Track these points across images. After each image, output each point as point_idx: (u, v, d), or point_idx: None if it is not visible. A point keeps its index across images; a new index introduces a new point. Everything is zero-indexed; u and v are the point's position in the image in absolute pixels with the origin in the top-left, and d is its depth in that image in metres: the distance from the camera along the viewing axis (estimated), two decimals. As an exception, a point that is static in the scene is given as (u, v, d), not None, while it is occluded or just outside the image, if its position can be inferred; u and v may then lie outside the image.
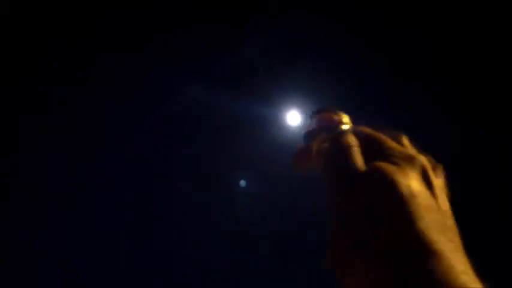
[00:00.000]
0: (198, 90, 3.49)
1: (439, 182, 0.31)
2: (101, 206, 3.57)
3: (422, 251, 0.26)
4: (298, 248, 3.45)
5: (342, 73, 3.43)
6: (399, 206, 0.27)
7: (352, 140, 0.32)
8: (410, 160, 0.30)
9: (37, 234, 3.42)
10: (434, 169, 0.31)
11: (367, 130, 0.34)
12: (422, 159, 0.31)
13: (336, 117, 0.36)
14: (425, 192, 0.29)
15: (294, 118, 3.54)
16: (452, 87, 3.35)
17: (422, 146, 0.34)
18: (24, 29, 3.24)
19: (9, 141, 3.37)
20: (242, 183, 3.59)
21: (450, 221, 0.29)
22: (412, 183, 0.29)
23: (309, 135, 0.36)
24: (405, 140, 0.33)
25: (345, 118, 0.36)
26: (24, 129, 3.38)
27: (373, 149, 0.32)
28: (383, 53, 3.40)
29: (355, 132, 0.34)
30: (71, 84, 3.37)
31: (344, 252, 0.28)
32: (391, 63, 3.42)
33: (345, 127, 0.35)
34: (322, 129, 0.36)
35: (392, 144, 0.32)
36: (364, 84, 3.48)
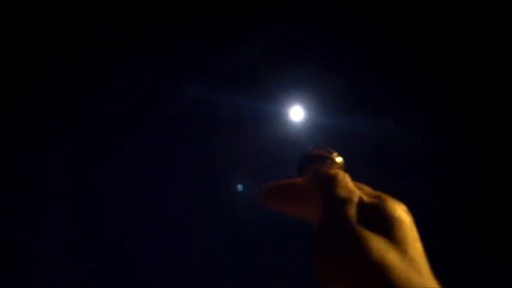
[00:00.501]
0: (198, 90, 3.49)
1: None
2: (101, 206, 3.57)
3: (403, 259, 0.29)
4: (298, 248, 3.45)
5: (342, 73, 3.43)
6: (392, 224, 0.31)
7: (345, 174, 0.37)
8: (395, 199, 0.35)
9: (37, 234, 3.42)
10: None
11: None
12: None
13: (329, 152, 0.39)
14: (411, 222, 0.33)
15: (294, 117, 3.54)
16: (452, 87, 3.35)
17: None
18: (24, 29, 3.24)
19: (9, 141, 3.37)
20: (239, 187, 3.58)
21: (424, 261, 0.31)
22: (402, 212, 0.33)
23: (304, 163, 0.39)
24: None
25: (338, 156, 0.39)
26: (24, 129, 3.38)
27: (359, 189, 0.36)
28: (383, 53, 3.41)
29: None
30: (71, 84, 3.37)
31: (329, 258, 0.30)
32: (391, 63, 3.43)
33: (338, 159, 0.39)
34: (317, 159, 0.39)
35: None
36: (364, 84, 3.48)
